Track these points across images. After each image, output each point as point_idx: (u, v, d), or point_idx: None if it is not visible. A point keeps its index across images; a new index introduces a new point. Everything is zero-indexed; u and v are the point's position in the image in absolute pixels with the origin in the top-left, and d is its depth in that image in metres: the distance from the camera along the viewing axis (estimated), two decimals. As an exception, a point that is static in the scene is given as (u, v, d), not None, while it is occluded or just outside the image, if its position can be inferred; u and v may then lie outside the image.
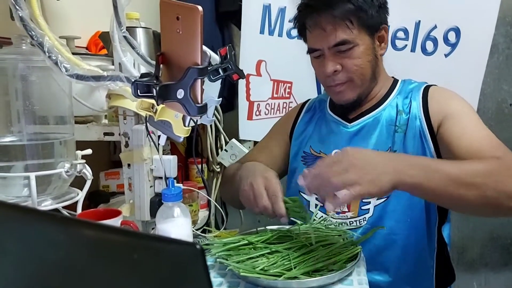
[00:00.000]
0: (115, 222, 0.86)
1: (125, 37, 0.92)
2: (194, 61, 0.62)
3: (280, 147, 1.26)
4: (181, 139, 0.82)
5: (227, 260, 0.84)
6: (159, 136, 0.90)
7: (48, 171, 0.84)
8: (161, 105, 0.73)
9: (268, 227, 1.00)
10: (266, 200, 0.91)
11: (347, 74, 1.08)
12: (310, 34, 1.10)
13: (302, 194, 1.13)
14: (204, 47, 0.96)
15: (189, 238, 0.82)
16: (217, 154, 1.63)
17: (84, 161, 0.89)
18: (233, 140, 1.60)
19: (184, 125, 0.79)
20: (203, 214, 1.62)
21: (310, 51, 1.12)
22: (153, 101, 0.74)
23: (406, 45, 1.69)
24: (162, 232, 0.80)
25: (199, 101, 0.65)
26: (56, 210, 0.98)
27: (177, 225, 0.80)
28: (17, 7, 0.63)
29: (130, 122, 1.01)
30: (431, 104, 1.08)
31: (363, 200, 1.06)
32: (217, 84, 0.98)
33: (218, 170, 1.65)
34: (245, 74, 1.88)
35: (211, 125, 1.57)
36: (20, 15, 0.63)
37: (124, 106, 0.96)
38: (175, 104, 0.64)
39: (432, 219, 1.08)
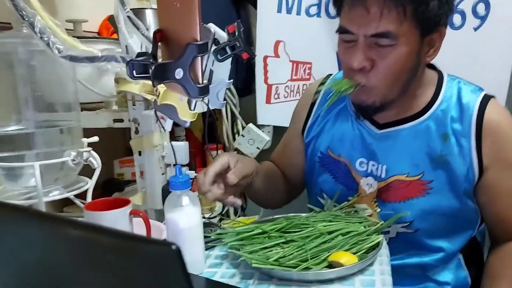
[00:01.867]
0: (124, 211, 0.82)
1: (129, 17, 0.88)
2: (193, 37, 0.57)
3: (300, 142, 1.10)
4: (187, 124, 0.78)
5: (239, 250, 0.79)
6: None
7: (53, 160, 0.81)
8: (163, 88, 0.68)
9: (285, 215, 0.95)
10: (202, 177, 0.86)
11: (376, 77, 0.86)
12: (348, 11, 0.86)
13: (324, 194, 1.05)
14: (211, 25, 0.91)
15: (199, 228, 0.77)
16: (234, 139, 1.58)
17: (90, 149, 0.85)
18: (250, 124, 1.54)
19: (190, 109, 0.75)
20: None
21: (340, 30, 0.89)
22: (155, 83, 0.70)
23: (431, 19, 1.60)
24: (170, 221, 0.76)
25: (200, 81, 0.60)
26: (67, 199, 0.96)
27: (185, 214, 0.76)
28: (7, -14, 0.59)
29: (139, 107, 0.97)
30: (486, 137, 0.91)
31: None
32: (227, 65, 0.93)
33: (236, 155, 1.60)
34: (263, 55, 1.82)
35: (226, 110, 1.52)
36: (10, -6, 0.60)
37: (132, 90, 0.92)
38: (175, 85, 0.59)
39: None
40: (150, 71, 0.55)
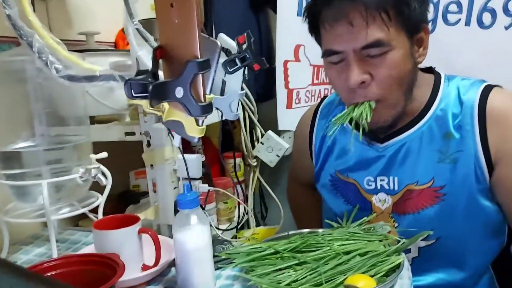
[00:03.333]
0: (133, 230, 0.80)
1: (137, 29, 0.85)
2: (193, 54, 0.54)
3: (311, 165, 1.08)
4: (196, 140, 0.74)
5: (250, 272, 0.76)
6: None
7: (60, 178, 0.79)
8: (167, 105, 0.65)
9: (301, 231, 0.91)
10: None
11: (379, 88, 0.82)
12: (330, 30, 0.82)
13: (339, 219, 1.01)
14: (222, 35, 0.88)
15: (207, 248, 0.74)
16: (253, 147, 1.55)
17: (99, 165, 0.83)
18: (269, 132, 1.51)
19: (198, 125, 0.72)
20: (242, 210, 1.55)
21: (327, 54, 0.84)
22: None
23: (459, 19, 1.51)
24: (178, 242, 0.73)
25: (202, 100, 0.56)
26: (83, 214, 0.95)
27: (193, 234, 0.73)
28: (4, 5, 0.58)
29: (150, 120, 0.95)
30: (492, 128, 0.85)
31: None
32: (239, 76, 0.90)
33: (255, 164, 1.57)
34: (283, 60, 1.78)
35: (245, 117, 1.49)
36: (7, 13, 0.58)
37: (142, 103, 0.90)
38: (177, 103, 0.56)
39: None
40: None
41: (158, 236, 0.83)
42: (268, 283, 0.70)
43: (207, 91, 0.71)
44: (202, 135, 0.75)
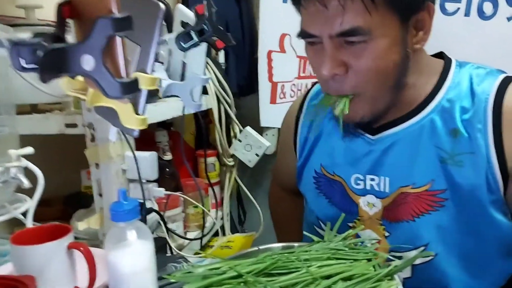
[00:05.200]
0: (60, 245, 0.64)
1: None
2: (107, 8, 0.38)
3: (295, 160, 0.95)
4: (136, 133, 0.58)
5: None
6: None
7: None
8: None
9: (273, 245, 0.76)
10: None
11: (354, 81, 0.71)
12: (305, 10, 0.71)
13: (321, 223, 0.88)
14: (181, 7, 0.72)
15: (149, 271, 0.58)
16: (230, 145, 1.39)
17: (19, 163, 0.67)
18: (248, 128, 1.35)
19: (137, 113, 0.56)
20: (219, 215, 1.40)
21: (302, 35, 0.74)
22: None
23: (458, 8, 1.39)
24: (111, 264, 0.57)
25: (122, 74, 0.40)
26: (14, 219, 0.79)
27: (131, 254, 0.57)
28: None
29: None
30: (509, 129, 0.71)
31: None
32: (201, 57, 0.75)
33: (232, 163, 1.41)
34: (267, 50, 1.63)
35: (220, 111, 1.33)
36: None
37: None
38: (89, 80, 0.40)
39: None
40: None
41: (97, 250, 0.67)
42: (223, 320, 0.54)
43: (148, 70, 0.55)
44: (144, 126, 0.58)
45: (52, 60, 0.37)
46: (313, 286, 0.60)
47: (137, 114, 0.56)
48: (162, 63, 0.78)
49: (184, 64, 0.76)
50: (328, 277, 0.62)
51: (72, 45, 0.38)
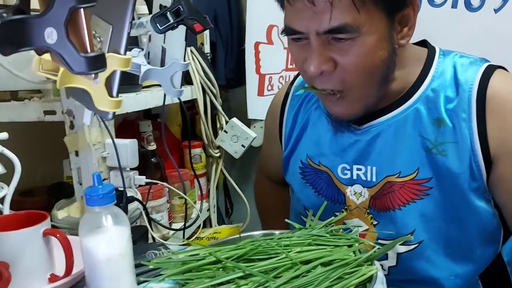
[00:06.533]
0: (35, 231, 0.63)
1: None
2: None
3: (281, 151, 0.95)
4: (110, 116, 0.57)
5: (184, 285, 0.59)
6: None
7: None
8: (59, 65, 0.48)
9: (254, 233, 0.75)
10: None
11: (342, 78, 0.70)
12: (290, 4, 0.69)
13: (308, 212, 0.87)
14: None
15: (126, 257, 0.57)
16: (216, 136, 1.38)
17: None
18: (234, 119, 1.34)
19: (110, 95, 0.54)
20: (204, 206, 1.39)
21: (286, 31, 0.72)
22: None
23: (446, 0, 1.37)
24: (86, 250, 0.56)
25: (88, 48, 0.39)
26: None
27: (107, 239, 0.56)
28: None
29: (74, 96, 0.78)
30: (492, 118, 0.72)
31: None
32: (181, 42, 0.74)
33: (218, 155, 1.40)
34: (254, 42, 1.62)
35: (205, 102, 1.32)
36: None
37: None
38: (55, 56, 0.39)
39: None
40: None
41: (76, 239, 0.65)
42: (199, 304, 0.53)
43: (121, 51, 0.54)
44: (118, 108, 0.58)
45: (11, 31, 0.35)
46: (292, 271, 0.60)
47: (111, 96, 0.55)
48: (142, 49, 0.77)
49: (163, 50, 0.75)
50: (307, 262, 0.62)
51: (32, 16, 0.36)
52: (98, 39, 0.60)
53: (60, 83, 0.49)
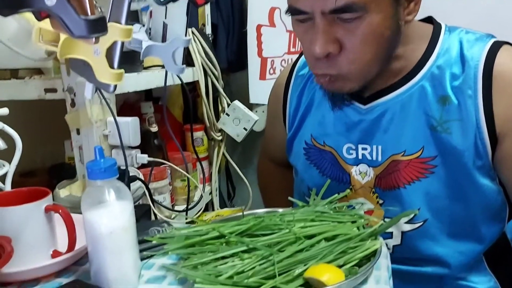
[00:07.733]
0: (37, 207, 0.62)
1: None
2: None
3: (284, 132, 0.94)
4: (111, 89, 0.57)
5: (187, 259, 0.59)
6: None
7: None
8: (61, 33, 0.47)
9: (258, 211, 0.75)
10: None
11: (348, 59, 0.69)
12: None
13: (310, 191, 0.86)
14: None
15: (129, 231, 0.57)
16: (218, 119, 1.37)
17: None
18: (236, 102, 1.33)
19: (111, 66, 0.54)
20: (207, 190, 1.38)
21: (291, 11, 0.70)
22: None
23: (447, -17, 1.36)
24: (88, 224, 0.56)
25: (87, 11, 0.38)
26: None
27: (108, 214, 0.55)
28: None
29: (75, 73, 0.77)
30: (498, 94, 0.71)
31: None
32: (182, 17, 0.73)
33: (220, 138, 1.39)
34: (256, 24, 1.61)
35: (207, 84, 1.31)
36: None
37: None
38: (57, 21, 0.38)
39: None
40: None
41: (78, 216, 0.65)
42: (203, 276, 0.53)
43: (122, 21, 0.53)
44: (119, 81, 0.57)
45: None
46: (295, 245, 0.60)
47: (112, 68, 0.55)
48: (143, 25, 0.76)
49: (165, 25, 0.74)
50: (311, 236, 0.62)
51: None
52: (99, 10, 0.59)
53: (60, 54, 0.49)
